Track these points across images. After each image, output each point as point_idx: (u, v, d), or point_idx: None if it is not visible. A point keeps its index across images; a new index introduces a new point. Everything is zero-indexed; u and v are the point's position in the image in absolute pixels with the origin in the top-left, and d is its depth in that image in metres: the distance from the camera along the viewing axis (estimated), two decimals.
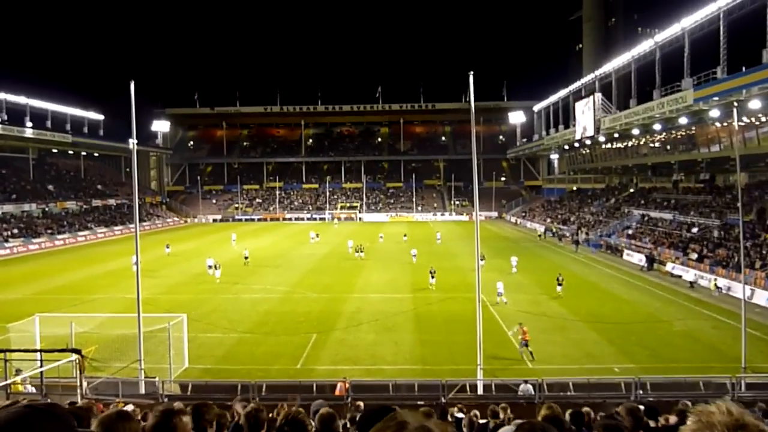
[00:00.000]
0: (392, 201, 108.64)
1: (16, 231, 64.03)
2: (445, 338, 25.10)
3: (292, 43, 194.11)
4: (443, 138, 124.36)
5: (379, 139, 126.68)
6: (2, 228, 63.50)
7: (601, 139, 61.48)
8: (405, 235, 64.42)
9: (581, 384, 17.38)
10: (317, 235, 65.40)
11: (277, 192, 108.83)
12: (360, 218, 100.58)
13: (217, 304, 32.25)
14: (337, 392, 16.99)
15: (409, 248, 51.02)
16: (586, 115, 61.78)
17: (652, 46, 48.79)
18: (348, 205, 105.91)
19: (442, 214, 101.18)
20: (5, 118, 74.14)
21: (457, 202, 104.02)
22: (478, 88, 18.64)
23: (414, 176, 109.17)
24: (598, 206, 72.86)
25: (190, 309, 26.23)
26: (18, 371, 17.86)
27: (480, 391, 17.40)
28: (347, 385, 17.03)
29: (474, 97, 19.19)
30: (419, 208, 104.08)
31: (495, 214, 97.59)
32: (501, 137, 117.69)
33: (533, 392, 16.07)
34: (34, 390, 17.61)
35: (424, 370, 20.94)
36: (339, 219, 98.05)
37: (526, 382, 16.83)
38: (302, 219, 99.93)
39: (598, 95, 59.21)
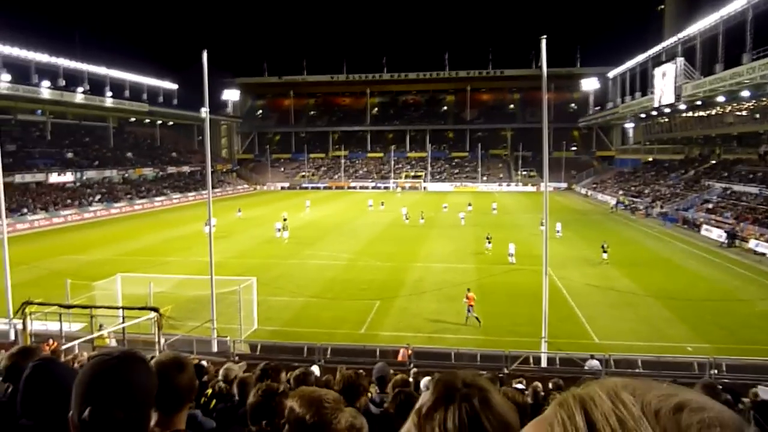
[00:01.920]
0: (457, 171, 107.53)
1: (99, 196, 68.02)
2: (508, 310, 24.91)
3: (358, 11, 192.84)
4: (511, 106, 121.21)
5: (445, 108, 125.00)
6: (86, 193, 67.63)
7: (682, 107, 58.18)
8: (469, 205, 63.87)
9: (651, 362, 16.90)
10: (382, 204, 65.86)
11: (343, 160, 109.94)
12: (424, 188, 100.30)
13: (284, 269, 33.27)
14: (399, 358, 17.29)
15: (475, 219, 50.70)
16: (665, 82, 58.47)
17: (743, 5, 45.28)
18: (412, 174, 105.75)
19: (508, 185, 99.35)
20: (87, 88, 78.17)
21: (524, 173, 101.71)
22: (549, 54, 17.94)
23: (480, 146, 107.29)
24: (676, 178, 69.36)
25: (259, 273, 27.18)
26: (101, 326, 19.22)
27: (544, 363, 17.24)
28: (409, 352, 17.29)
29: (543, 63, 18.50)
30: (484, 179, 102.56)
31: (564, 185, 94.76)
32: (572, 105, 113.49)
33: (600, 368, 15.77)
34: (116, 344, 18.92)
35: (487, 340, 20.91)
36: (403, 188, 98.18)
37: (592, 357, 16.52)
38: (366, 188, 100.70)
39: (680, 60, 55.80)
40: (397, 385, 5.42)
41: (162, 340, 17.33)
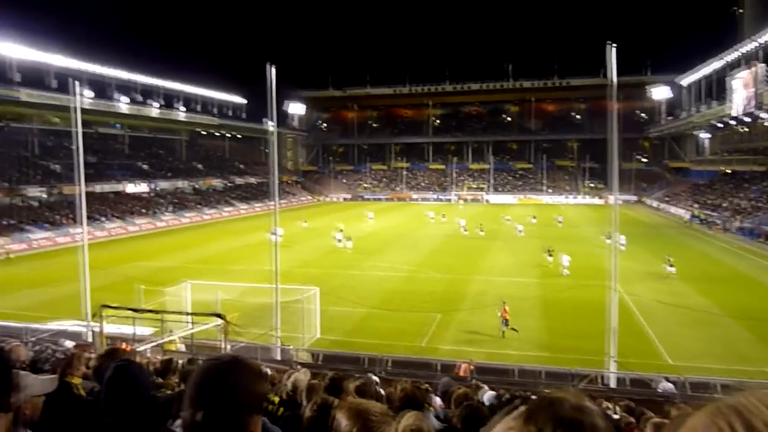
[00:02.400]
0: (520, 183, 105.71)
1: (170, 206, 71.10)
2: (574, 326, 24.12)
3: (421, 24, 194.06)
4: (577, 116, 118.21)
5: (508, 119, 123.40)
6: (159, 203, 70.83)
7: (763, 115, 54.93)
8: (534, 217, 62.63)
9: (731, 386, 15.90)
10: (443, 216, 65.64)
11: (404, 172, 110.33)
12: (486, 200, 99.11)
13: (346, 280, 33.59)
14: (461, 373, 17.04)
15: (538, 232, 49.68)
16: (744, 89, 55.47)
17: None
18: (474, 186, 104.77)
19: (574, 197, 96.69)
20: (162, 103, 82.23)
21: (591, 185, 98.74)
22: (617, 61, 17.41)
23: (544, 157, 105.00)
24: (757, 191, 65.42)
25: (321, 283, 27.55)
26: (171, 331, 19.96)
27: (612, 384, 16.56)
28: (471, 367, 17.02)
29: (613, 71, 17.95)
30: (549, 191, 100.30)
31: (634, 197, 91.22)
32: (642, 114, 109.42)
33: (674, 390, 14.98)
34: (185, 348, 19.58)
35: (550, 357, 20.32)
36: (464, 200, 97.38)
37: (666, 379, 15.71)
38: (428, 199, 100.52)
39: (761, 66, 52.82)
40: (460, 399, 5.34)
41: (228, 347, 17.83)
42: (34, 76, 63.73)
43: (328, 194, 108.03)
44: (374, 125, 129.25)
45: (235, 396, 1.46)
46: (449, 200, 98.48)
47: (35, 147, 67.32)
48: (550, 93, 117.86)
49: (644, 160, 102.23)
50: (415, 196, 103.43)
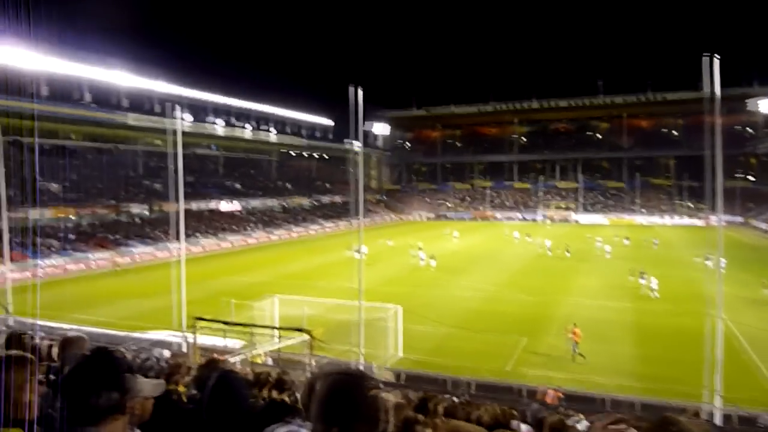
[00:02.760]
0: (612, 202, 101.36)
1: (261, 224, 74.05)
2: (669, 355, 22.60)
3: (505, 41, 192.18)
4: (673, 132, 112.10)
5: (598, 135, 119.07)
6: (250, 220, 73.96)
7: None
8: (626, 239, 59.76)
9: None
10: (528, 236, 64.10)
11: (487, 191, 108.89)
12: (575, 220, 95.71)
13: (428, 299, 33.43)
14: (548, 400, 16.43)
15: (631, 254, 47.36)
16: None
17: None
18: (562, 205, 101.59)
19: (671, 218, 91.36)
20: (254, 125, 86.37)
21: (690, 205, 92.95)
22: (718, 73, 16.40)
23: (637, 175, 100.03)
24: None
25: (404, 301, 27.55)
26: (254, 345, 20.62)
27: (718, 420, 15.35)
28: (559, 394, 16.38)
29: (714, 84, 16.91)
30: (643, 211, 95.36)
31: (739, 219, 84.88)
32: (748, 129, 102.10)
33: None
34: (271, 362, 20.16)
35: (645, 388, 19.13)
36: (551, 220, 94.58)
37: None
38: (512, 219, 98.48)
39: None
40: (555, 427, 5.13)
41: (312, 362, 18.19)
42: (140, 102, 69.02)
43: (411, 213, 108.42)
44: (457, 144, 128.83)
45: (362, 408, 1.48)
46: (535, 220, 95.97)
47: (139, 167, 72.43)
48: (643, 108, 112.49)
49: (751, 178, 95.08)
50: (498, 216, 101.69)
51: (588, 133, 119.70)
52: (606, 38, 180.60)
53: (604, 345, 23.97)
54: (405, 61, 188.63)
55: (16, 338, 3.77)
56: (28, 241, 47.85)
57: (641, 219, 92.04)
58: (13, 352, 1.94)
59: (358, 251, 21.08)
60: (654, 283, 33.64)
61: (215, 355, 17.70)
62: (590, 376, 20.54)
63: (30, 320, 23.65)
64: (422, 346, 24.15)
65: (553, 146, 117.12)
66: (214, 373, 2.22)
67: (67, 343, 3.62)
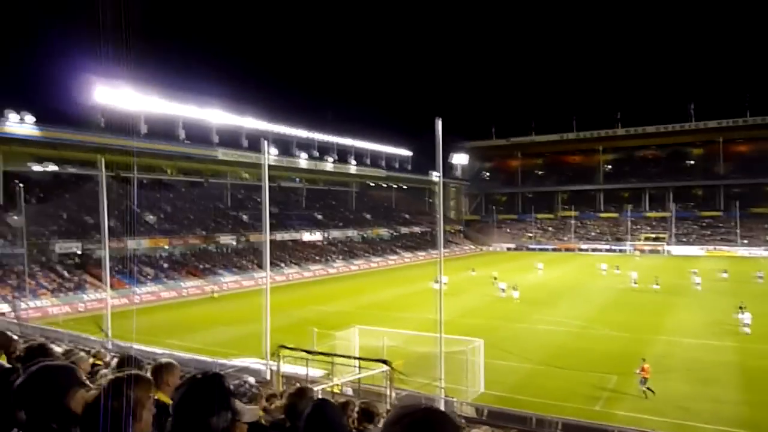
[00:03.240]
0: (708, 232, 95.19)
1: (341, 254, 75.35)
2: None
3: (587, 66, 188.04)
4: None
5: (691, 162, 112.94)
6: (331, 250, 75.43)
7: None
8: (724, 272, 55.77)
9: None
10: (617, 268, 61.26)
11: (572, 221, 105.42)
12: (667, 251, 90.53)
13: (511, 332, 32.53)
14: None
15: (731, 288, 44.10)
16: None
17: None
18: (652, 236, 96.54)
19: None
20: (335, 158, 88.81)
21: None
22: None
23: (737, 203, 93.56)
24: None
25: (485, 334, 26.93)
26: (329, 374, 20.74)
27: None
28: None
29: None
30: (744, 241, 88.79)
31: None
32: None
33: None
34: (351, 392, 20.20)
35: None
36: (641, 251, 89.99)
37: None
38: (599, 250, 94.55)
39: None
40: None
41: (393, 394, 18.08)
42: (229, 137, 72.80)
43: (491, 244, 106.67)
44: (539, 173, 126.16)
45: None
46: (623, 251, 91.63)
47: (228, 199, 75.96)
48: (742, 132, 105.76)
49: None
50: (584, 247, 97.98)
51: (679, 159, 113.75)
52: (696, 60, 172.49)
53: (707, 389, 22.28)
54: (484, 91, 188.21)
55: (128, 360, 4.01)
56: (126, 270, 51.20)
57: (743, 251, 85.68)
58: (134, 371, 2.08)
59: (438, 282, 20.89)
60: (747, 318, 31.23)
61: (307, 384, 18.02)
62: (689, 421, 19.09)
63: (127, 344, 25.12)
64: (505, 381, 23.43)
65: (641, 174, 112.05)
66: (307, 401, 2.27)
67: (158, 369, 3.82)
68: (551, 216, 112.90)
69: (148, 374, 3.33)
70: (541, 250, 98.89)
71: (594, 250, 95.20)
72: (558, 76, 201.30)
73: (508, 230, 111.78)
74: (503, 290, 46.03)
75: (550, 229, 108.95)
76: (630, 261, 74.08)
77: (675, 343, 29.61)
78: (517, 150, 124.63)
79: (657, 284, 48.12)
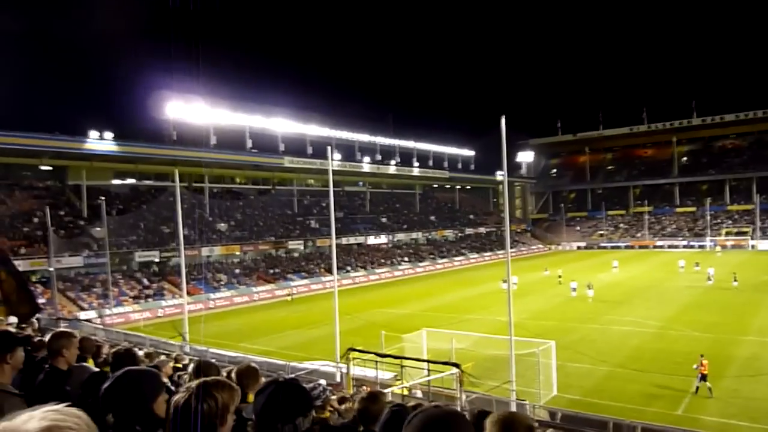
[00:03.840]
0: None
1: (407, 257, 75.46)
2: None
3: (658, 55, 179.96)
4: None
5: None
6: (396, 253, 75.69)
7: None
8: None
9: None
10: (697, 265, 58.19)
11: (646, 217, 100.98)
12: (752, 246, 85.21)
13: (584, 333, 31.56)
14: None
15: None
16: None
17: None
18: (735, 230, 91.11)
19: None
20: (398, 160, 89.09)
21: None
22: None
23: None
24: None
25: (556, 336, 26.27)
26: (395, 376, 20.74)
27: None
28: None
29: None
30: None
31: None
32: None
33: None
34: (420, 395, 20.17)
35: None
36: (723, 247, 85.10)
37: None
38: (676, 246, 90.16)
39: None
40: None
41: (463, 397, 17.89)
42: (294, 145, 74.53)
43: (560, 242, 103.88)
44: (609, 168, 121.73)
45: None
46: (703, 247, 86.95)
47: (295, 206, 77.69)
48: None
49: None
50: (659, 243, 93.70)
51: (764, 148, 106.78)
52: None
53: None
54: (549, 86, 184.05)
55: (206, 364, 4.17)
56: (201, 276, 53.33)
57: None
58: (220, 378, 2.15)
59: (506, 281, 20.52)
60: None
61: (364, 387, 18.15)
62: None
63: (203, 348, 26.13)
64: (579, 384, 22.75)
65: (721, 165, 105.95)
66: (381, 405, 2.27)
67: (242, 373, 3.92)
68: (623, 212, 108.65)
69: (233, 377, 3.45)
70: (613, 247, 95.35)
71: (671, 246, 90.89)
72: (625, 65, 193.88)
73: (577, 228, 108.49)
74: (574, 289, 45.00)
75: (622, 225, 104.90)
76: (710, 257, 70.23)
77: (766, 345, 27.80)
78: (584, 145, 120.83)
79: (735, 280, 45.67)
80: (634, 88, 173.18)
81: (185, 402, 2.00)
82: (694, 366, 21.60)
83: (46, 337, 4.26)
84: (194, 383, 2.07)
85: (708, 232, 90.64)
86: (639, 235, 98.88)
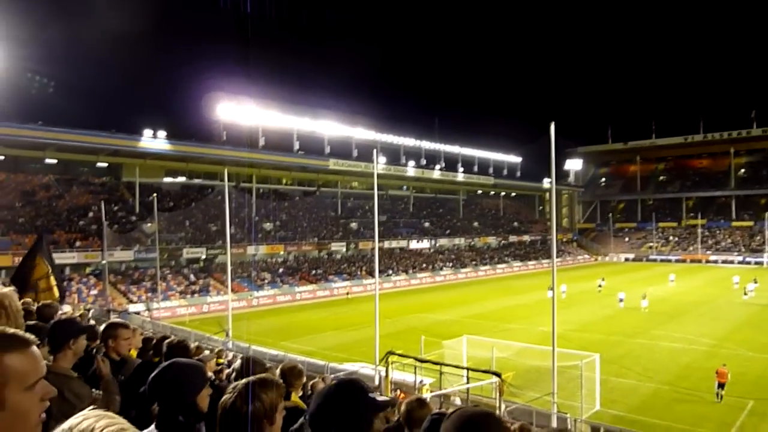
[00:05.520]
0: None
1: (449, 263, 75.04)
2: None
3: (717, 62, 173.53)
4: None
5: None
6: (438, 258, 75.32)
7: None
8: None
9: None
10: (755, 281, 55.70)
11: (699, 230, 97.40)
12: None
13: (630, 348, 30.67)
14: None
15: None
16: None
17: None
18: None
19: None
20: (443, 165, 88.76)
21: None
22: None
23: None
24: None
25: (601, 349, 25.60)
26: (421, 382, 20.56)
27: None
28: None
29: None
30: None
31: None
32: None
33: None
34: (459, 402, 19.98)
35: None
36: None
37: None
38: (731, 262, 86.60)
39: None
40: None
41: (503, 407, 17.65)
42: (340, 148, 75.16)
43: (608, 253, 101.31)
44: (661, 178, 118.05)
45: None
46: (760, 263, 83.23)
47: (339, 208, 78.34)
48: None
49: None
50: (713, 258, 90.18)
51: None
52: None
53: None
54: (600, 92, 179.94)
55: (251, 361, 4.24)
56: (246, 274, 54.39)
57: None
58: (267, 376, 2.18)
59: (553, 290, 20.12)
60: None
61: (398, 392, 18.10)
62: None
63: (245, 345, 26.61)
64: (624, 400, 22.11)
65: None
66: (425, 412, 2.26)
67: (286, 372, 3.96)
68: (675, 224, 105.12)
69: (277, 375, 3.50)
70: (663, 261, 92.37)
71: (725, 261, 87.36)
72: (682, 73, 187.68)
73: (626, 239, 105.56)
74: (621, 300, 44.33)
75: (673, 238, 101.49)
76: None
77: None
78: (635, 154, 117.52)
79: None
80: (690, 97, 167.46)
81: (233, 402, 2.03)
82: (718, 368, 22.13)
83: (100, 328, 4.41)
84: (241, 383, 2.10)
85: (766, 248, 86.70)
86: (691, 248, 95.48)
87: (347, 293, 54.97)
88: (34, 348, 1.34)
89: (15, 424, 1.27)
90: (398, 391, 18.47)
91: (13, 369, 1.28)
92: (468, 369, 19.72)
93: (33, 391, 1.29)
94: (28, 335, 1.39)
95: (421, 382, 20.08)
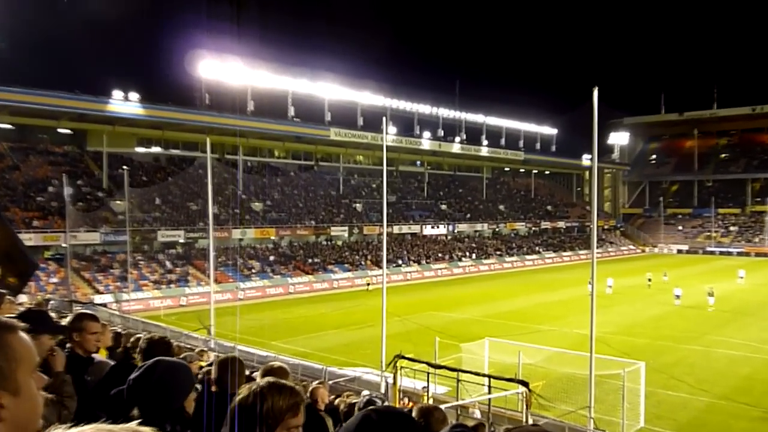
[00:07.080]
0: None
1: (469, 252, 75.11)
2: None
3: None
4: None
5: None
6: (457, 247, 75.41)
7: None
8: None
9: None
10: None
11: (766, 218, 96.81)
12: None
13: (681, 356, 30.70)
14: None
15: None
16: None
17: None
18: None
19: None
20: (464, 137, 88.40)
21: None
22: None
23: None
24: None
25: (647, 356, 25.65)
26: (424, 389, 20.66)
27: None
28: None
29: None
30: None
31: None
32: None
33: None
34: (479, 415, 20.09)
35: None
36: None
37: None
38: None
39: None
40: None
41: (530, 421, 17.73)
42: (343, 115, 74.94)
43: (657, 244, 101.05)
44: (723, 156, 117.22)
45: None
46: None
47: (340, 186, 78.42)
48: None
49: None
50: None
51: None
52: None
53: None
54: (651, 54, 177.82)
55: (232, 362, 4.27)
56: (231, 262, 54.65)
57: None
58: (278, 380, 2.20)
59: (591, 284, 20.10)
60: None
61: (406, 401, 18.21)
62: None
63: (230, 344, 26.81)
64: (672, 416, 22.18)
65: None
66: (439, 423, 2.26)
67: (269, 373, 3.98)
68: (738, 211, 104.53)
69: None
70: (722, 253, 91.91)
71: None
72: (747, 32, 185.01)
73: (679, 228, 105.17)
74: (678, 297, 44.80)
75: (734, 227, 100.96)
76: None
77: None
78: (693, 127, 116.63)
79: None
80: (759, 60, 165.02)
81: (243, 403, 2.04)
82: None
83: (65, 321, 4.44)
84: (246, 388, 2.10)
85: None
86: (756, 239, 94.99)
87: (367, 284, 55.26)
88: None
89: (32, 412, 1.31)
90: (407, 400, 18.60)
91: (20, 351, 1.32)
92: (490, 377, 19.76)
93: (35, 377, 1.34)
94: (14, 320, 1.43)
95: (423, 388, 20.10)
